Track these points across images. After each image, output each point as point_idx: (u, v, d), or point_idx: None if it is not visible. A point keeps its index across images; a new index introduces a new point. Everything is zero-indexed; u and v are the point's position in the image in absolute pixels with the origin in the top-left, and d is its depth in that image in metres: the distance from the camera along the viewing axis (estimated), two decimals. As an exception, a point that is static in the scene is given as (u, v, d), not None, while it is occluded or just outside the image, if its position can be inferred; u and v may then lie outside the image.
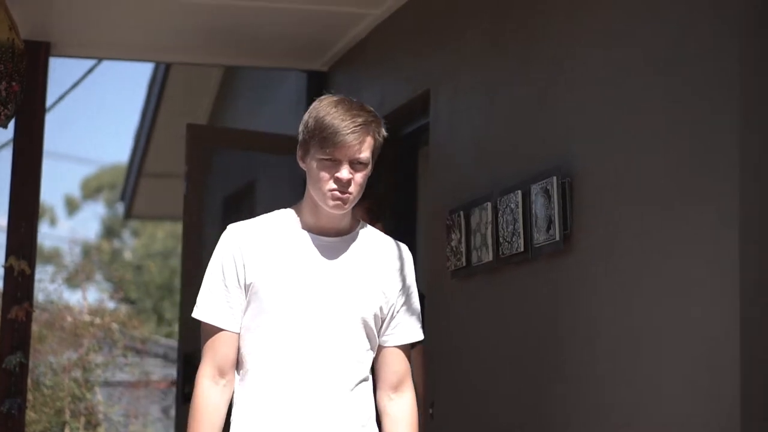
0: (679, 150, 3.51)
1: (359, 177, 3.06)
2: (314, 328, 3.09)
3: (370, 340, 3.16)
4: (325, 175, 3.05)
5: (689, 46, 3.50)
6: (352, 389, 3.12)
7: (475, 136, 4.85)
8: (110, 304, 10.29)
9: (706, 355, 3.33)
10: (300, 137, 3.12)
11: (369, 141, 3.06)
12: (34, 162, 6.26)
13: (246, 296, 3.13)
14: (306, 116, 3.11)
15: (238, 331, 3.15)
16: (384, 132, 3.12)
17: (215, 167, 6.92)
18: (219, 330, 3.14)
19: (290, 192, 6.09)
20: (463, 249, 4.67)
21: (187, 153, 6.62)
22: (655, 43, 3.65)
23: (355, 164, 3.05)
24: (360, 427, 3.14)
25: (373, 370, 3.21)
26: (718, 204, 3.32)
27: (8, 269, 6.22)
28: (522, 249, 4.22)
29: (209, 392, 3.12)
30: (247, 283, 3.12)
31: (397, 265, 3.21)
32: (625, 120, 3.78)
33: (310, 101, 6.87)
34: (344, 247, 3.15)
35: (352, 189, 3.06)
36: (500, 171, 4.53)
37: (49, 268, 10.49)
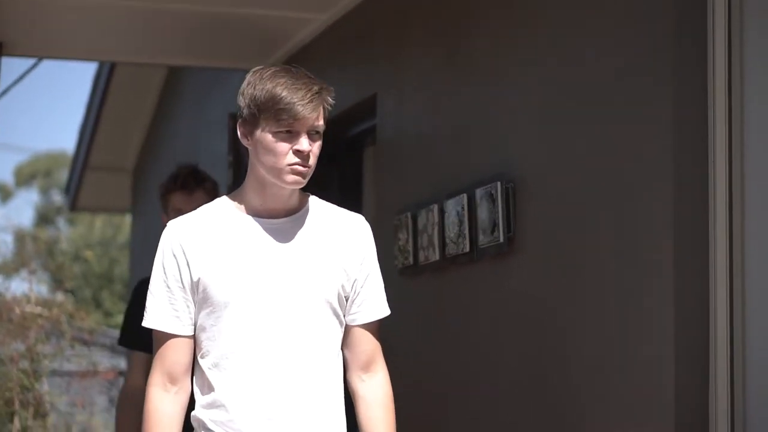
0: (615, 154, 3.76)
1: (316, 148, 2.92)
2: (277, 318, 2.93)
3: (337, 321, 3.00)
4: (283, 147, 2.89)
5: (624, 54, 3.74)
6: (325, 379, 2.97)
7: (421, 140, 5.08)
8: (46, 293, 10.41)
9: (642, 349, 3.59)
10: (245, 112, 2.94)
11: (322, 109, 2.93)
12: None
13: (194, 296, 2.97)
14: (248, 90, 2.94)
15: (189, 334, 2.99)
16: (331, 100, 2.95)
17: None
18: (167, 336, 2.98)
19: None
20: (410, 248, 4.91)
21: (230, 142, 6.79)
22: (590, 51, 3.90)
23: (312, 134, 2.91)
24: (336, 425, 3.00)
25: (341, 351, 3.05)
26: (653, 205, 3.58)
27: None
28: (467, 249, 4.47)
29: (160, 401, 2.97)
30: (194, 280, 2.95)
31: (355, 238, 3.03)
32: (564, 127, 4.02)
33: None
34: (296, 227, 2.98)
35: (311, 161, 2.91)
36: (445, 174, 4.77)
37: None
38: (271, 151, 2.90)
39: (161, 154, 9.57)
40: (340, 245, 3.01)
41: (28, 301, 9.11)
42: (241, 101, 2.96)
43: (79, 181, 10.14)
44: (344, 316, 3.02)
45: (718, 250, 3.44)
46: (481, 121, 4.55)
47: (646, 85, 3.63)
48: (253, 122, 2.93)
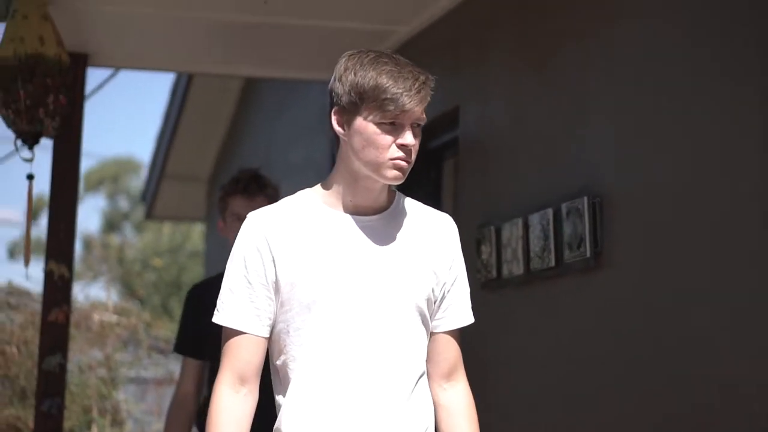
0: (707, 170, 3.74)
1: (418, 142, 2.75)
2: (368, 322, 2.73)
3: (426, 329, 2.82)
4: (386, 140, 2.68)
5: (713, 68, 3.72)
6: (413, 388, 2.78)
7: (504, 153, 5.08)
8: (115, 299, 10.52)
9: (747, 367, 3.57)
10: (343, 99, 2.72)
11: (427, 101, 2.76)
12: (72, 168, 6.43)
13: (277, 295, 2.77)
14: (348, 75, 2.71)
15: (265, 336, 2.79)
16: (431, 90, 2.78)
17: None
18: (242, 334, 2.77)
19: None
20: (493, 262, 4.90)
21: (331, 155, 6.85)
22: (684, 65, 3.88)
23: (415, 128, 2.74)
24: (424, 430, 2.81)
25: None
26: (747, 222, 3.55)
27: (48, 273, 6.35)
28: (553, 264, 4.45)
29: (228, 402, 2.76)
30: (279, 278, 2.75)
31: (445, 239, 2.85)
32: (652, 141, 4.01)
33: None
34: (387, 226, 2.79)
35: (413, 157, 2.74)
36: (530, 188, 4.76)
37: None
38: (373, 144, 2.69)
39: (236, 164, 9.64)
40: (430, 246, 2.82)
41: (106, 309, 9.23)
42: (339, 87, 2.74)
43: (155, 189, 10.24)
44: (430, 322, 2.84)
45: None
46: (567, 133, 4.54)
47: (735, 102, 3.61)
48: (352, 111, 2.72)
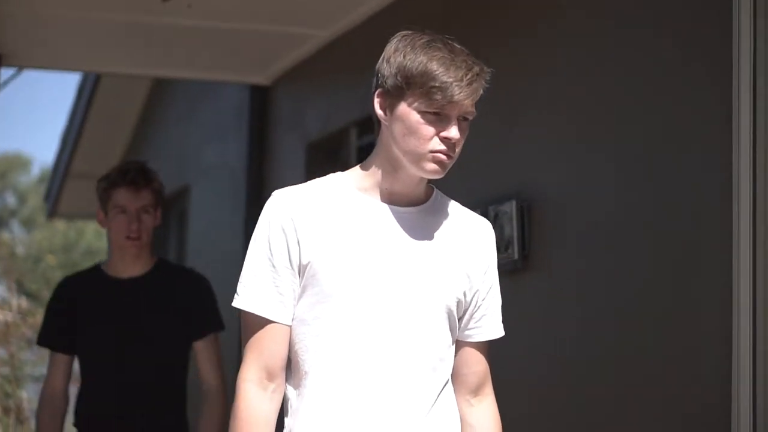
0: (627, 177, 3.88)
1: (463, 138, 2.56)
2: (391, 318, 2.53)
3: (452, 334, 2.62)
4: (428, 131, 2.50)
5: (644, 71, 3.87)
6: (438, 395, 2.59)
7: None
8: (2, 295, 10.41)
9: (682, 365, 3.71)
10: (388, 82, 2.52)
11: (479, 94, 2.55)
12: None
13: (300, 280, 2.55)
14: (397, 57, 2.53)
15: (288, 323, 2.56)
16: (486, 83, 2.57)
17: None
18: (267, 322, 2.53)
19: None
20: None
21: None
22: (614, 69, 4.01)
23: (462, 121, 2.53)
24: None
25: None
26: (674, 237, 3.71)
27: None
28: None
29: (256, 400, 2.52)
30: (303, 263, 2.54)
31: (482, 243, 2.66)
32: (584, 147, 4.15)
33: (254, 114, 7.17)
34: (422, 219, 2.60)
35: (456, 151, 2.54)
36: (458, 190, 4.84)
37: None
38: (414, 133, 2.51)
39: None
40: (466, 248, 2.63)
41: (10, 309, 9.13)
42: (385, 69, 2.55)
43: (59, 188, 10.17)
44: (459, 330, 2.65)
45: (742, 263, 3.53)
46: (498, 136, 4.63)
47: (653, 114, 3.75)
48: (397, 95, 2.52)
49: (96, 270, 4.42)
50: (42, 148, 49.88)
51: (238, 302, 2.58)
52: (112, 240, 4.33)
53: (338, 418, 2.52)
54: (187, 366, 4.41)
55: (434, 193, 2.66)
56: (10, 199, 32.92)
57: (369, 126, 5.84)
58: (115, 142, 9.79)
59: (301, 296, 2.55)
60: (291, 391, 2.57)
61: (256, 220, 7.82)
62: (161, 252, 9.01)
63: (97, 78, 8.97)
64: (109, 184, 4.29)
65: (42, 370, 9.42)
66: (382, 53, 2.53)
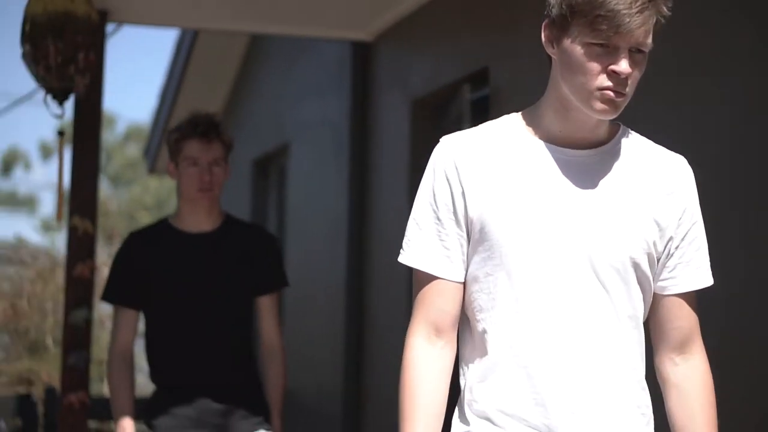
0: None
1: (638, 72, 2.29)
2: (572, 273, 2.31)
3: (643, 290, 2.37)
4: (594, 66, 2.26)
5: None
6: (628, 357, 2.35)
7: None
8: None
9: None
10: (554, 11, 2.32)
11: (653, 23, 2.28)
12: (95, 125, 6.45)
13: (469, 234, 2.37)
14: None
15: (460, 280, 2.38)
16: (667, 11, 2.30)
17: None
18: (433, 278, 2.37)
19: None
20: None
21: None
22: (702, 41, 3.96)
23: (635, 53, 2.27)
24: (640, 416, 2.39)
25: (647, 328, 2.43)
26: None
27: (72, 229, 6.35)
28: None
29: (424, 355, 2.36)
30: (470, 216, 2.35)
31: (676, 184, 2.40)
32: (677, 111, 4.09)
33: (356, 71, 7.17)
34: (602, 164, 2.35)
35: (628, 89, 2.28)
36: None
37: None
38: (579, 69, 2.27)
39: (242, 119, 9.67)
40: (656, 192, 2.38)
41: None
42: None
43: (158, 145, 10.26)
44: (653, 282, 2.40)
45: None
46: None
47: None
48: (562, 26, 2.31)
49: (164, 224, 4.38)
50: (128, 106, 50.47)
51: (403, 257, 2.43)
52: (182, 192, 4.29)
53: (524, 381, 2.33)
54: (252, 321, 4.41)
55: (619, 130, 2.41)
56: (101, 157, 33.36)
57: (483, 79, 5.83)
58: (212, 98, 9.84)
59: (471, 251, 2.37)
60: (467, 352, 2.41)
61: (360, 179, 7.91)
62: (261, 211, 9.07)
63: (195, 35, 9.01)
64: (180, 135, 4.26)
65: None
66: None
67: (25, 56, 5.42)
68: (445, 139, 2.42)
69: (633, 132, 2.44)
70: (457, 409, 2.42)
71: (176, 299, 4.25)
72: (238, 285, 4.30)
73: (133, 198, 23.92)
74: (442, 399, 2.37)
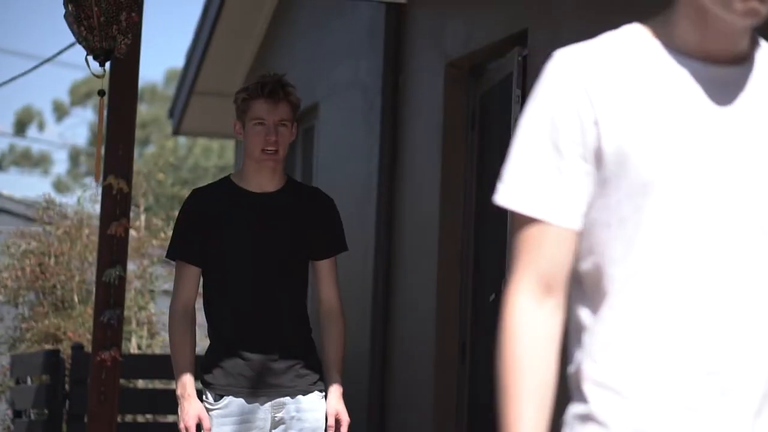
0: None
1: None
2: (731, 218, 1.91)
3: None
4: None
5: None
6: None
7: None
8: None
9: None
10: None
11: None
12: (131, 85, 6.45)
13: (598, 170, 1.92)
14: None
15: (576, 227, 1.93)
16: None
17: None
18: (543, 224, 1.92)
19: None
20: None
21: None
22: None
23: None
24: None
25: None
26: None
27: (107, 188, 6.37)
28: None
29: (529, 316, 1.91)
30: (604, 148, 1.91)
31: None
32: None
33: (389, 32, 7.14)
34: (746, 80, 1.95)
35: None
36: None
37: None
38: None
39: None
40: None
41: (139, 225, 9.31)
42: None
43: (184, 105, 10.25)
44: None
45: None
46: None
47: None
48: None
49: (227, 182, 4.42)
50: (148, 67, 50.39)
51: (503, 198, 1.95)
52: (247, 152, 4.34)
53: (668, 358, 1.90)
54: (308, 283, 4.46)
55: (759, 44, 2.01)
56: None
57: (522, 41, 5.79)
58: (239, 59, 9.84)
59: (602, 192, 1.93)
60: (584, 317, 1.97)
61: (392, 140, 7.89)
62: (288, 169, 9.10)
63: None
64: (247, 95, 4.32)
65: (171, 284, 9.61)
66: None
67: (68, 17, 5.44)
68: (563, 55, 1.97)
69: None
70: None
71: (236, 258, 4.30)
72: (297, 247, 4.35)
73: (150, 158, 23.98)
74: (553, 374, 1.94)
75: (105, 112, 5.56)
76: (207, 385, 4.36)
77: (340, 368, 4.36)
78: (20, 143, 36.90)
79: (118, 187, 6.26)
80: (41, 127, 36.73)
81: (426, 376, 6.37)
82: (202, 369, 4.40)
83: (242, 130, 4.37)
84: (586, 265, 1.97)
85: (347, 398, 4.41)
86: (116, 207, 6.25)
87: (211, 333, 4.43)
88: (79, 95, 33.61)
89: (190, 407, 4.28)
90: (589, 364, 1.94)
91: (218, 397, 4.32)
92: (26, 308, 8.94)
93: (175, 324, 4.38)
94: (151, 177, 20.52)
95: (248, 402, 4.30)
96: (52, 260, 8.65)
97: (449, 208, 6.29)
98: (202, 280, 4.42)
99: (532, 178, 1.93)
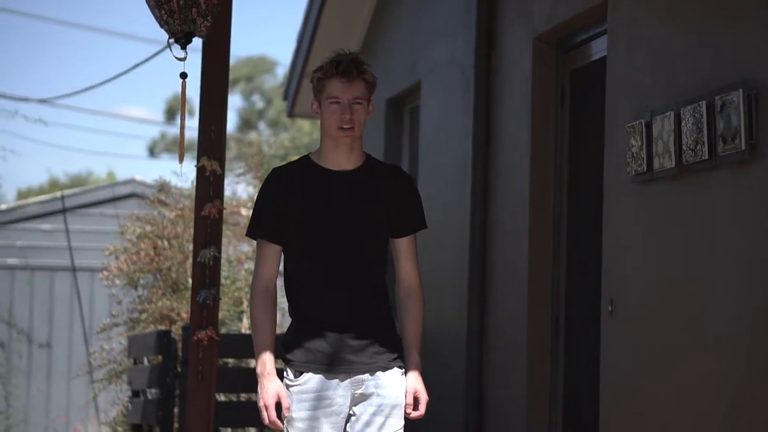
0: None
1: None
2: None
3: None
4: None
5: None
6: None
7: (654, 47, 5.04)
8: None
9: None
10: None
11: None
12: (222, 68, 6.52)
13: None
14: None
15: None
16: None
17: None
18: None
19: None
20: (643, 155, 4.91)
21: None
22: None
23: None
24: None
25: None
26: None
27: (200, 169, 6.44)
28: (706, 157, 4.45)
29: None
30: None
31: None
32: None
33: (481, 9, 7.09)
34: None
35: None
36: (682, 80, 4.74)
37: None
38: None
39: (377, 61, 9.70)
40: None
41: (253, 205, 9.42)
42: None
43: (296, 88, 10.37)
44: None
45: None
46: (722, 23, 4.48)
47: None
48: None
49: (306, 160, 4.46)
50: (287, 50, 50.92)
51: None
52: (325, 130, 4.38)
53: None
54: (387, 261, 4.45)
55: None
56: (258, 102, 33.80)
57: (599, 17, 5.74)
58: (348, 41, 9.88)
59: None
60: None
61: (485, 118, 7.82)
62: (395, 149, 9.11)
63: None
64: (323, 74, 4.35)
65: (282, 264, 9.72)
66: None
67: (149, 1, 5.53)
68: None
69: None
70: None
71: (316, 235, 4.34)
72: (377, 224, 4.37)
73: (286, 141, 24.31)
74: None
75: (186, 95, 5.62)
76: (287, 362, 4.41)
77: (419, 346, 4.38)
78: (171, 130, 37.72)
79: (211, 169, 6.34)
80: (192, 113, 37.52)
81: (520, 354, 6.34)
82: (283, 346, 4.44)
83: (319, 109, 4.41)
84: None
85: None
86: (210, 188, 6.32)
87: (292, 311, 4.47)
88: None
89: (270, 385, 4.34)
90: None
91: (298, 374, 4.36)
92: (146, 291, 9.14)
93: (257, 302, 4.44)
94: (286, 158, 20.86)
95: (327, 378, 4.34)
96: (166, 243, 8.82)
97: (539, 188, 6.26)
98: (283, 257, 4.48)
99: None
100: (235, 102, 34.08)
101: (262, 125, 33.37)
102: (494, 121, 6.85)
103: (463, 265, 6.98)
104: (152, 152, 37.92)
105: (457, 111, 7.37)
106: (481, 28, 6.98)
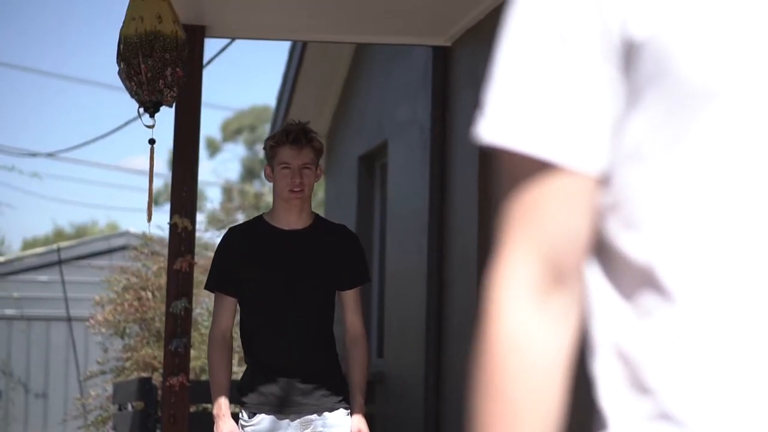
0: None
1: None
2: None
3: None
4: None
5: None
6: None
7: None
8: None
9: None
10: None
11: None
12: (193, 132, 6.96)
13: (626, 75, 1.24)
14: None
15: (594, 170, 1.24)
16: None
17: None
18: (547, 170, 1.23)
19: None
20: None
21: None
22: None
23: None
24: None
25: None
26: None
27: (173, 226, 6.81)
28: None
29: (529, 329, 1.22)
30: (635, 38, 1.21)
31: None
32: None
33: (436, 74, 7.54)
34: None
35: None
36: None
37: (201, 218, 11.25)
38: None
39: (351, 120, 10.19)
40: None
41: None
42: None
43: (276, 146, 10.80)
44: None
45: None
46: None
47: None
48: None
49: (260, 221, 4.86)
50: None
51: (485, 133, 1.25)
52: (277, 193, 4.78)
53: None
54: (334, 311, 4.83)
55: None
56: (261, 151, 34.05)
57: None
58: (325, 102, 10.34)
59: (632, 106, 1.24)
60: (618, 311, 1.25)
61: (440, 178, 8.28)
62: (367, 204, 9.56)
63: (305, 44, 9.52)
64: (275, 142, 4.75)
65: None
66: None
67: (120, 73, 5.99)
68: None
69: None
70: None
71: (268, 291, 4.71)
72: (323, 278, 4.74)
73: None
74: (559, 393, 1.24)
75: (154, 160, 6.04)
76: (242, 405, 4.79)
77: (363, 389, 4.73)
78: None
79: (182, 226, 6.74)
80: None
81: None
82: (238, 390, 4.84)
83: (272, 174, 4.82)
84: (618, 231, 1.25)
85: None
86: (181, 244, 6.73)
87: (247, 357, 4.88)
88: (229, 132, 34.59)
89: (225, 426, 4.72)
90: (626, 371, 1.25)
91: (252, 415, 4.74)
92: (131, 339, 9.52)
93: (214, 350, 4.81)
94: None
95: (279, 419, 4.71)
96: (150, 294, 9.22)
97: (485, 236, 6.64)
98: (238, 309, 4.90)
99: (528, 95, 1.23)
100: (238, 152, 34.38)
101: (258, 177, 33.68)
102: (448, 176, 7.27)
103: (422, 310, 7.39)
104: (156, 202, 38.29)
105: (417, 168, 7.80)
106: (437, 91, 7.42)
